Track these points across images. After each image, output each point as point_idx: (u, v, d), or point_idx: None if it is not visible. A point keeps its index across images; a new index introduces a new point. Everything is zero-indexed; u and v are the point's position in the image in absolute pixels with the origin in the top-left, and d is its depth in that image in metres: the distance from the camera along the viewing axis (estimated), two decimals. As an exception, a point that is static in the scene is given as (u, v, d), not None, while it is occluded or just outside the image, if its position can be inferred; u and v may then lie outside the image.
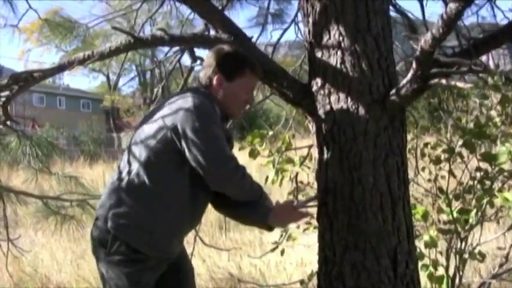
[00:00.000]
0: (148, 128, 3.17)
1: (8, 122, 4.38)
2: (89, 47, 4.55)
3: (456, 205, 4.50)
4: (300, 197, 4.68)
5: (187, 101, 3.05)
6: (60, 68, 3.84)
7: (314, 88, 3.45)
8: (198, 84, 3.33)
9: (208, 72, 3.27)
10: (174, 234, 3.28)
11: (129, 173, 3.20)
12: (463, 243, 4.51)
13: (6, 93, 3.93)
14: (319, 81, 3.43)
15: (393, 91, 3.22)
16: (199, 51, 3.99)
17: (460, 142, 4.37)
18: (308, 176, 4.81)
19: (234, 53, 3.25)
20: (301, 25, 4.69)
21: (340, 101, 3.33)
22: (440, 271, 4.51)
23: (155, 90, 5.26)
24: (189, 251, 4.12)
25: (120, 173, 3.26)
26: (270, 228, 3.30)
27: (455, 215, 4.37)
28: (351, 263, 3.28)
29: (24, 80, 3.81)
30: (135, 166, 3.17)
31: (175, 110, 3.06)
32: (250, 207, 3.23)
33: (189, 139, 2.98)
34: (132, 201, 3.16)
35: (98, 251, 3.26)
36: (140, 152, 3.15)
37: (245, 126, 22.72)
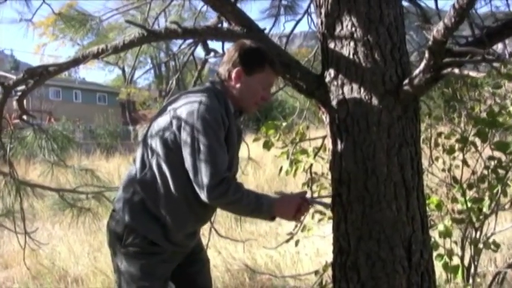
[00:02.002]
0: (162, 121, 3.17)
1: (24, 116, 4.42)
2: (103, 40, 4.58)
3: (470, 194, 4.49)
4: (314, 188, 4.70)
5: (193, 105, 3.03)
6: (75, 62, 3.86)
7: (327, 79, 3.45)
8: (217, 78, 3.32)
9: (228, 66, 3.25)
10: (184, 228, 3.28)
11: (143, 165, 3.22)
12: (478, 233, 4.50)
13: (22, 87, 3.95)
14: (332, 72, 3.42)
15: (406, 81, 3.21)
16: (212, 44, 4.00)
17: (474, 131, 4.36)
18: (322, 166, 4.82)
19: (256, 48, 3.23)
20: (314, 16, 4.70)
21: (353, 92, 3.32)
22: (455, 261, 4.51)
23: (170, 82, 5.27)
24: (204, 242, 4.14)
25: (135, 165, 3.28)
26: (272, 218, 3.28)
27: (469, 204, 4.36)
28: (366, 253, 3.28)
29: (40, 74, 3.83)
30: (149, 159, 3.19)
31: (185, 110, 3.05)
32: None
33: (188, 146, 3.01)
34: (146, 193, 3.18)
35: (113, 243, 3.29)
36: (156, 144, 3.16)
37: (260, 117, 22.71)
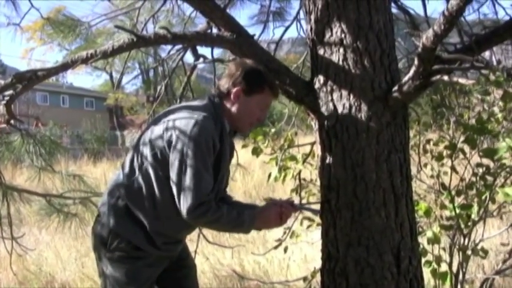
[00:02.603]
0: (156, 130, 3.18)
1: (12, 121, 4.39)
2: (92, 46, 4.56)
3: (459, 201, 4.50)
4: (303, 194, 4.70)
5: (188, 124, 3.03)
6: (64, 67, 3.84)
7: (316, 85, 3.45)
8: (216, 91, 3.33)
9: (228, 84, 3.26)
10: (167, 237, 3.30)
11: (132, 172, 3.24)
12: (466, 240, 4.51)
13: (10, 92, 3.93)
14: (321, 78, 3.43)
15: (395, 88, 3.21)
16: (201, 49, 4.01)
17: (462, 138, 4.38)
18: (311, 173, 4.82)
19: (257, 70, 3.24)
20: (303, 22, 4.71)
21: (342, 98, 3.33)
22: (444, 267, 4.51)
23: (158, 88, 5.27)
24: (192, 248, 4.14)
25: (123, 171, 3.30)
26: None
27: (457, 211, 4.37)
28: (354, 259, 3.28)
29: (28, 79, 3.81)
30: (139, 166, 3.21)
31: (178, 126, 3.07)
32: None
33: (175, 165, 3.02)
34: (131, 200, 3.21)
35: (98, 247, 3.32)
36: (146, 153, 3.17)
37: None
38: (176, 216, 3.07)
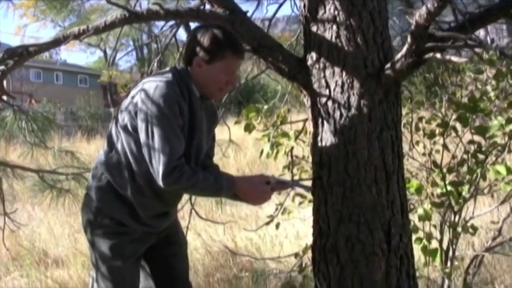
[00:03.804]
0: (124, 105, 3.20)
1: (4, 97, 4.38)
2: (85, 22, 4.53)
3: (450, 179, 4.51)
4: (295, 171, 4.70)
5: (149, 92, 3.03)
6: (56, 43, 3.82)
7: (309, 62, 3.44)
8: (182, 61, 3.32)
9: (188, 52, 3.24)
10: (150, 211, 3.29)
11: (110, 148, 3.28)
12: (457, 217, 4.52)
13: (1, 67, 3.91)
14: (314, 55, 3.42)
15: (388, 65, 3.21)
16: (194, 26, 3.97)
17: (455, 116, 4.37)
18: (303, 150, 4.82)
19: (214, 36, 3.15)
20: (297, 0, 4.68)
21: (335, 75, 3.32)
22: (434, 244, 4.52)
23: (152, 64, 5.24)
24: (184, 224, 4.14)
25: (104, 148, 3.33)
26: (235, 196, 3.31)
27: (449, 188, 4.38)
28: (345, 235, 3.29)
29: (20, 55, 3.80)
30: (115, 142, 3.23)
31: (141, 95, 3.06)
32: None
33: (142, 134, 3.03)
34: (112, 176, 3.24)
35: (85, 224, 3.35)
36: (119, 128, 3.20)
37: (242, 101, 22.70)
38: (156, 186, 3.06)
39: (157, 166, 2.97)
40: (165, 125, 2.98)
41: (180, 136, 3.05)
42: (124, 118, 3.14)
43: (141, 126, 3.02)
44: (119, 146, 3.20)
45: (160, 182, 2.99)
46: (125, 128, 3.14)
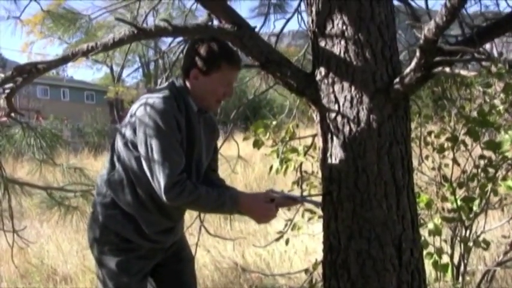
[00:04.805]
0: (126, 118, 3.24)
1: (13, 114, 4.39)
2: (92, 39, 4.55)
3: (460, 193, 4.50)
4: (304, 186, 4.70)
5: (146, 108, 3.06)
6: (64, 60, 3.84)
7: (318, 77, 3.44)
8: (180, 74, 3.34)
9: (185, 65, 3.26)
10: (154, 226, 3.29)
11: (112, 167, 3.29)
12: (468, 231, 4.52)
13: (10, 85, 3.93)
14: (322, 70, 3.42)
15: (397, 80, 3.20)
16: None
17: (464, 130, 4.37)
18: (312, 165, 4.82)
19: (210, 47, 3.17)
20: (304, 15, 4.70)
21: (344, 90, 3.32)
22: (445, 259, 4.52)
23: (159, 81, 5.26)
24: (193, 241, 4.14)
25: (106, 166, 3.35)
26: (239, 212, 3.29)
27: (459, 203, 4.37)
28: (356, 251, 3.28)
29: (29, 72, 3.81)
30: (116, 160, 3.26)
31: (139, 112, 3.10)
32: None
33: (142, 149, 3.06)
34: (115, 193, 3.26)
35: (92, 242, 3.37)
36: (119, 145, 3.23)
37: (249, 116, 22.70)
38: (159, 201, 3.07)
39: (159, 180, 2.99)
40: (163, 139, 3.00)
41: (179, 151, 3.07)
42: (124, 135, 3.17)
43: (140, 142, 3.05)
44: (120, 163, 3.22)
45: (163, 197, 3.00)
46: (125, 144, 3.16)
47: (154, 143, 2.99)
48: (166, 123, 3.01)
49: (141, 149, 3.04)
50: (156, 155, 2.98)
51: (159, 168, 2.98)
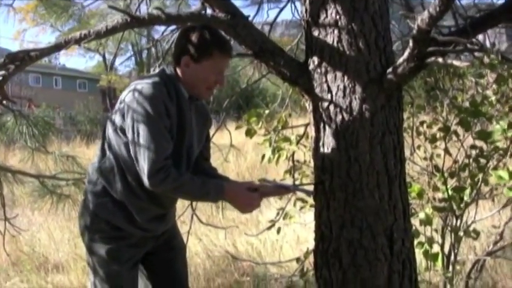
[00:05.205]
0: (114, 109, 3.23)
1: (5, 102, 4.37)
2: (85, 27, 4.53)
3: (451, 183, 4.51)
4: (296, 175, 4.70)
5: (134, 94, 3.05)
6: (57, 47, 3.82)
7: (311, 67, 3.44)
8: (172, 62, 3.33)
9: (176, 52, 3.26)
10: (144, 214, 3.28)
11: (102, 154, 3.29)
12: (458, 221, 4.53)
13: (2, 72, 3.91)
14: (315, 59, 3.41)
15: (390, 70, 3.20)
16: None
17: (456, 120, 4.38)
18: (305, 154, 4.82)
19: (201, 34, 3.17)
20: (297, 4, 4.69)
21: (337, 80, 3.32)
22: (436, 248, 4.53)
23: (152, 69, 5.24)
24: (185, 229, 4.13)
25: (97, 154, 3.35)
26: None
27: (450, 192, 4.38)
28: (348, 240, 3.28)
29: (21, 59, 3.79)
30: (107, 147, 3.26)
31: (127, 98, 3.09)
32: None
33: (130, 135, 3.05)
34: (106, 181, 3.24)
35: (83, 230, 3.37)
36: (109, 132, 3.23)
37: (242, 105, 22.72)
38: (150, 189, 3.06)
39: (143, 165, 2.98)
40: (151, 125, 2.99)
41: (166, 137, 3.06)
42: (114, 122, 3.17)
43: (128, 127, 3.04)
44: (111, 151, 3.21)
45: (146, 182, 3.00)
46: (115, 131, 3.16)
47: (141, 128, 2.98)
48: (155, 109, 3.00)
49: (129, 133, 3.04)
50: (142, 140, 2.98)
51: (144, 153, 2.97)
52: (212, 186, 3.15)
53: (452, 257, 4.61)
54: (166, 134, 3.06)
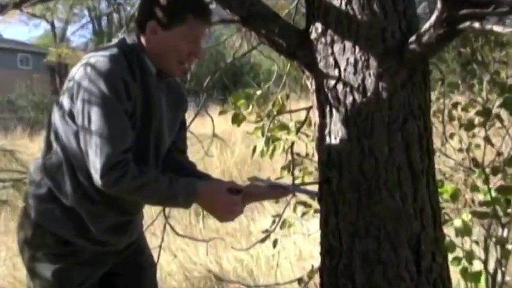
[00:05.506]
0: (62, 91, 3.18)
1: None
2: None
3: (495, 182, 4.52)
4: (297, 172, 4.72)
5: (86, 69, 2.98)
6: (-10, 12, 3.83)
7: (313, 35, 3.44)
8: (135, 30, 3.29)
9: (140, 16, 3.23)
10: (100, 222, 3.23)
11: (48, 147, 3.25)
12: (505, 231, 4.53)
13: None
14: (319, 26, 3.41)
15: (413, 38, 3.20)
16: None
17: (499, 102, 4.39)
18: (307, 146, 4.83)
19: None
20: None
21: (346, 51, 3.32)
22: (477, 266, 4.54)
23: (113, 40, 5.25)
24: (156, 243, 4.14)
25: (43, 143, 3.31)
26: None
27: (493, 194, 4.39)
28: (362, 254, 3.29)
29: None
30: (53, 138, 3.21)
31: (77, 75, 3.02)
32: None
33: (79, 120, 2.98)
34: (53, 181, 3.19)
35: (22, 245, 3.32)
36: (56, 119, 3.18)
37: (228, 84, 22.63)
38: (90, 182, 3.02)
39: (95, 159, 2.89)
40: (105, 107, 2.91)
41: (125, 123, 3.00)
42: (61, 105, 3.11)
43: (77, 110, 2.97)
44: (58, 143, 3.15)
45: (97, 181, 2.91)
46: (62, 117, 3.10)
47: (93, 112, 2.90)
48: (111, 87, 2.92)
49: (78, 118, 2.96)
50: (94, 127, 2.89)
51: (96, 144, 2.88)
52: (182, 187, 3.08)
53: (499, 277, 4.63)
54: (125, 120, 2.99)
